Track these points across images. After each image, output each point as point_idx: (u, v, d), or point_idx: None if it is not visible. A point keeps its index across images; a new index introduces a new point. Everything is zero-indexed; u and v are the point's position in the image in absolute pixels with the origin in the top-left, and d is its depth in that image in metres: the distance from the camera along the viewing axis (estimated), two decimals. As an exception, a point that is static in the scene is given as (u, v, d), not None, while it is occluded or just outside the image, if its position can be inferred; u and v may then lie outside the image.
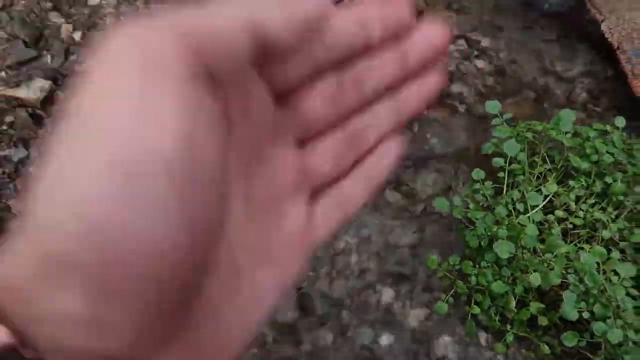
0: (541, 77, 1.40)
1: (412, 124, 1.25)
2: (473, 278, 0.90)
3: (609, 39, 1.36)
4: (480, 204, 0.99)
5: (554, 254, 0.87)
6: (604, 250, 0.86)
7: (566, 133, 1.03)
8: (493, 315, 0.92)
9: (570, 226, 0.95)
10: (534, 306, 0.89)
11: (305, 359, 0.92)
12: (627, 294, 0.81)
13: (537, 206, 0.94)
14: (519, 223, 0.90)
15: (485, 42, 1.45)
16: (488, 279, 0.87)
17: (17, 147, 0.95)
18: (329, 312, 0.97)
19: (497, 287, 0.86)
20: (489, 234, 0.90)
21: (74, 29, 1.13)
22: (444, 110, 1.28)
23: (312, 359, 0.92)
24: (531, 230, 0.88)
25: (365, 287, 1.00)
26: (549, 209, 0.99)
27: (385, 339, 0.95)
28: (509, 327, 0.91)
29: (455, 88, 1.33)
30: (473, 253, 0.96)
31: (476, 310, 0.90)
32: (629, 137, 1.11)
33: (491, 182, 1.02)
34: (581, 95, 1.37)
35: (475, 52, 1.42)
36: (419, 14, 1.45)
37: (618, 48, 1.35)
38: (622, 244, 0.92)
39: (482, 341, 0.94)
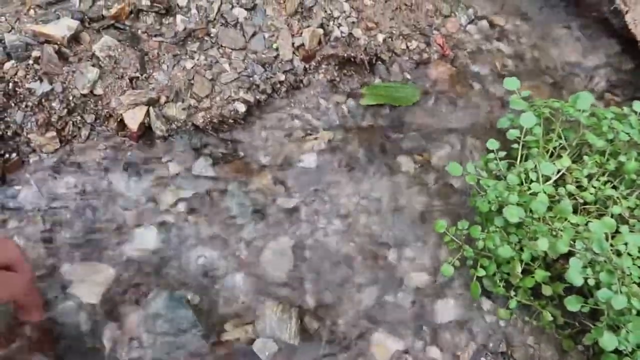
0: (561, 64, 1.40)
1: (427, 98, 1.26)
2: (480, 242, 0.90)
3: (633, 31, 1.36)
4: (493, 172, 1.00)
5: (563, 225, 0.87)
6: (614, 222, 0.86)
7: (583, 112, 1.03)
8: (498, 281, 0.93)
9: (581, 201, 0.96)
10: (540, 274, 0.89)
11: (314, 311, 0.93)
12: (634, 264, 0.82)
13: (549, 178, 0.95)
14: (530, 190, 0.90)
15: (507, 26, 1.45)
16: (495, 243, 0.88)
17: (41, 81, 0.96)
18: (333, 268, 0.98)
19: (504, 251, 0.87)
20: (499, 199, 0.90)
21: (103, -23, 1.15)
22: (462, 87, 1.29)
23: (319, 311, 0.93)
24: (542, 197, 0.88)
25: (374, 247, 1.01)
26: (561, 184, 0.99)
27: (390, 298, 0.96)
28: (513, 293, 0.92)
29: (475, 67, 1.34)
30: (482, 220, 0.97)
31: (481, 272, 0.91)
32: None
33: (505, 154, 1.03)
34: (600, 85, 1.37)
35: (497, 35, 1.42)
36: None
37: (641, 40, 1.35)
38: (631, 221, 0.92)
39: (486, 306, 0.95)
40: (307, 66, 1.18)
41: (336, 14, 1.20)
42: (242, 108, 1.09)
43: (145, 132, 1.04)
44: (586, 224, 0.88)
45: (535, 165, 0.96)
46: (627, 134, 0.99)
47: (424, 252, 1.01)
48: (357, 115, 1.18)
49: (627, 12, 1.38)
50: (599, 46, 1.45)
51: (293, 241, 1.01)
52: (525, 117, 1.00)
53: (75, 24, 1.01)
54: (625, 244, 0.83)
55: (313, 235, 1.01)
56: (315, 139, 1.12)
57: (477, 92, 1.28)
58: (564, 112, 1.04)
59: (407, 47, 1.28)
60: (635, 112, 1.06)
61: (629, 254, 0.81)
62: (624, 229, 0.89)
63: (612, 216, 0.92)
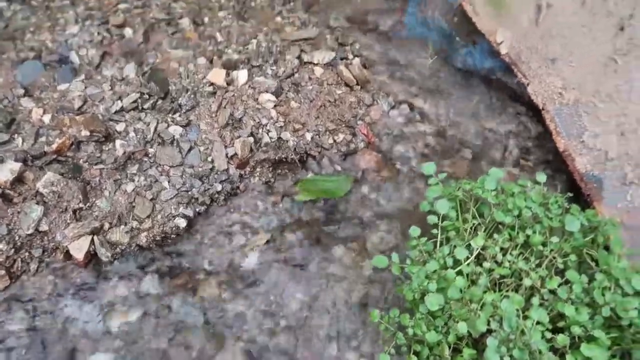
0: (478, 136, 1.54)
1: (358, 186, 1.36)
2: (410, 329, 0.98)
3: (535, 100, 1.52)
4: (418, 259, 1.09)
5: (480, 303, 0.96)
6: (521, 298, 0.95)
7: (493, 190, 1.14)
8: (432, 363, 1.00)
9: (498, 276, 1.05)
10: (467, 352, 0.97)
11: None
12: (543, 337, 0.90)
13: (465, 259, 1.05)
14: (447, 277, 0.99)
15: (426, 106, 1.59)
16: (423, 330, 0.95)
17: (-13, 226, 1.03)
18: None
19: (431, 337, 0.95)
20: (421, 287, 0.99)
21: (44, 112, 1.24)
22: (390, 172, 1.40)
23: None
24: (458, 282, 0.98)
25: (318, 340, 1.07)
26: (481, 259, 1.09)
27: (335, 391, 1.02)
28: (446, 373, 0.99)
29: (399, 151, 1.46)
30: (412, 306, 1.05)
31: (414, 358, 0.98)
32: (555, 190, 1.23)
33: (429, 238, 1.12)
34: (514, 152, 1.51)
35: (417, 116, 1.56)
36: (366, 82, 1.59)
37: (543, 108, 1.50)
38: (542, 291, 1.02)
39: (424, 388, 1.01)
40: (242, 173, 1.27)
41: (264, 121, 1.31)
42: (182, 223, 1.16)
43: (92, 258, 1.10)
44: (502, 300, 0.97)
45: (452, 250, 1.06)
46: (530, 208, 1.10)
47: (365, 340, 1.08)
48: (293, 212, 1.27)
49: (528, 84, 1.54)
50: (510, 115, 1.60)
51: (242, 344, 1.06)
52: (440, 204, 1.11)
53: (17, 166, 1.09)
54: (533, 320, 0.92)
55: (261, 336, 1.07)
56: (255, 241, 1.20)
57: (404, 175, 1.40)
58: (475, 193, 1.15)
59: (335, 140, 1.40)
60: (539, 183, 1.18)
61: (538, 329, 0.90)
62: (535, 300, 0.98)
63: (525, 288, 1.02)
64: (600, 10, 1.35)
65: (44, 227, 1.07)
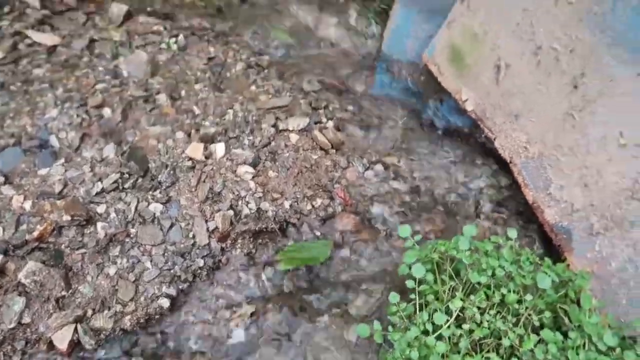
0: (451, 191, 1.60)
1: (339, 251, 1.39)
2: (396, 400, 0.99)
3: (502, 155, 1.59)
4: (399, 325, 1.11)
5: (463, 369, 0.98)
6: (501, 361, 0.98)
7: (467, 250, 1.18)
8: None
9: (478, 337, 1.08)
10: (453, 419, 0.98)
11: None
12: (524, 402, 0.92)
13: (445, 323, 1.07)
14: (428, 343, 1.02)
15: (400, 164, 1.65)
16: (408, 400, 0.97)
17: (-31, 323, 1.03)
18: None
19: (416, 406, 0.96)
20: (403, 356, 1.01)
21: (25, 199, 1.26)
22: (368, 233, 1.44)
23: None
24: (439, 348, 1.00)
25: (305, 416, 1.08)
26: (460, 320, 1.12)
27: None
28: None
29: (376, 211, 1.50)
30: (396, 373, 1.06)
31: None
32: (529, 240, 1.28)
33: (409, 301, 1.15)
34: (487, 205, 1.56)
35: (392, 175, 1.62)
36: (341, 144, 1.65)
37: (510, 162, 1.57)
38: (521, 350, 1.05)
39: None
40: (223, 246, 1.30)
41: (243, 193, 1.35)
42: (166, 303, 1.18)
43: (76, 347, 1.10)
44: (483, 363, 0.99)
45: (431, 315, 1.08)
46: (503, 267, 1.14)
47: (353, 412, 1.08)
48: (276, 282, 1.29)
49: (495, 139, 1.61)
50: (481, 169, 1.67)
51: None
52: (416, 269, 1.14)
53: (-1, 258, 1.10)
54: (513, 382, 0.94)
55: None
56: (240, 315, 1.21)
57: (382, 236, 1.43)
58: (450, 253, 1.19)
59: (313, 206, 1.44)
60: (510, 239, 1.23)
61: (517, 393, 0.92)
62: (514, 362, 1.01)
63: (505, 348, 1.04)
64: (554, 70, 1.44)
65: (26, 319, 1.07)
